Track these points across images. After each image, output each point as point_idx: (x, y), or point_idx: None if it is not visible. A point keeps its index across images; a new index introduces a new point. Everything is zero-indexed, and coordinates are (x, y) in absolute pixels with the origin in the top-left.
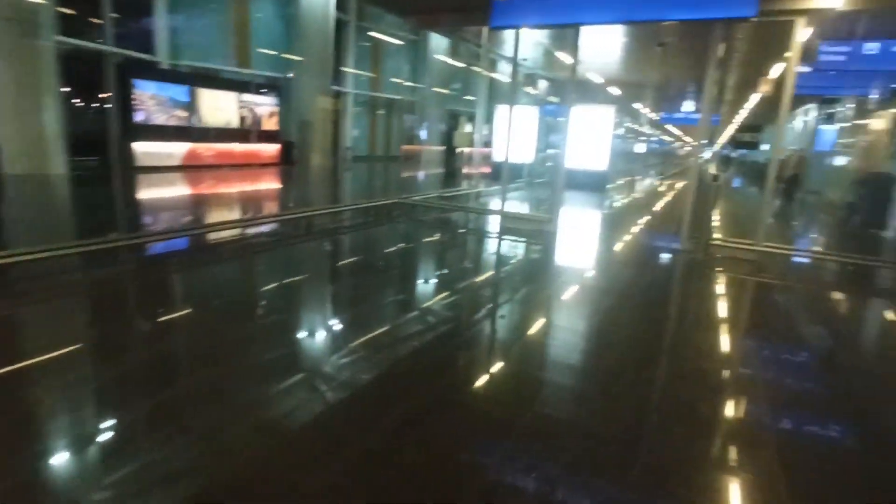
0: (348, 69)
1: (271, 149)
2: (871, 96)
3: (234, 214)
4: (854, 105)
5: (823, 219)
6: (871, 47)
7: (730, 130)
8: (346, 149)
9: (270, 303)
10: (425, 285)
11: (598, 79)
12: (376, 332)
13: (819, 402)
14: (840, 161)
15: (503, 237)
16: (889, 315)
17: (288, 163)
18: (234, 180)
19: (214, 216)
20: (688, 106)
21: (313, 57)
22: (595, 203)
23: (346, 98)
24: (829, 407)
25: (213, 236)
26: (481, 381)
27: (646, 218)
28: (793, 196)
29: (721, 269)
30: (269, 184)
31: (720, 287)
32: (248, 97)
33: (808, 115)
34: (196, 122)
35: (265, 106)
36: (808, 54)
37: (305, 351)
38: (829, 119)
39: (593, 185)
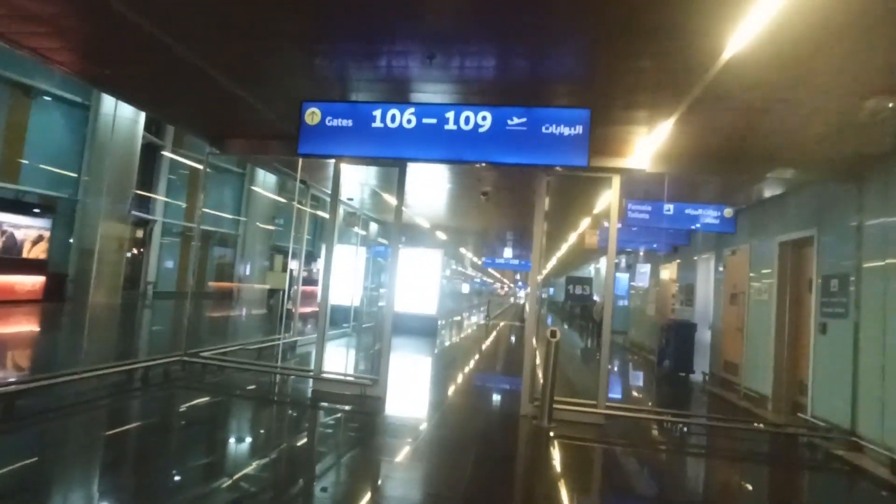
0: (158, 196)
1: (31, 282)
2: (658, 250)
3: None
4: (643, 256)
5: (636, 360)
6: (668, 207)
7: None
8: (147, 284)
9: None
10: None
11: (425, 223)
12: None
13: None
14: (631, 304)
15: (313, 410)
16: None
17: (56, 300)
18: None
19: None
20: (507, 253)
21: (110, 178)
22: (426, 351)
23: (152, 227)
24: None
25: None
26: None
27: (481, 371)
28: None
29: (570, 439)
30: (10, 329)
31: (577, 466)
32: (2, 216)
33: (601, 264)
34: None
35: (28, 229)
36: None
37: None
38: (623, 268)
39: (424, 329)
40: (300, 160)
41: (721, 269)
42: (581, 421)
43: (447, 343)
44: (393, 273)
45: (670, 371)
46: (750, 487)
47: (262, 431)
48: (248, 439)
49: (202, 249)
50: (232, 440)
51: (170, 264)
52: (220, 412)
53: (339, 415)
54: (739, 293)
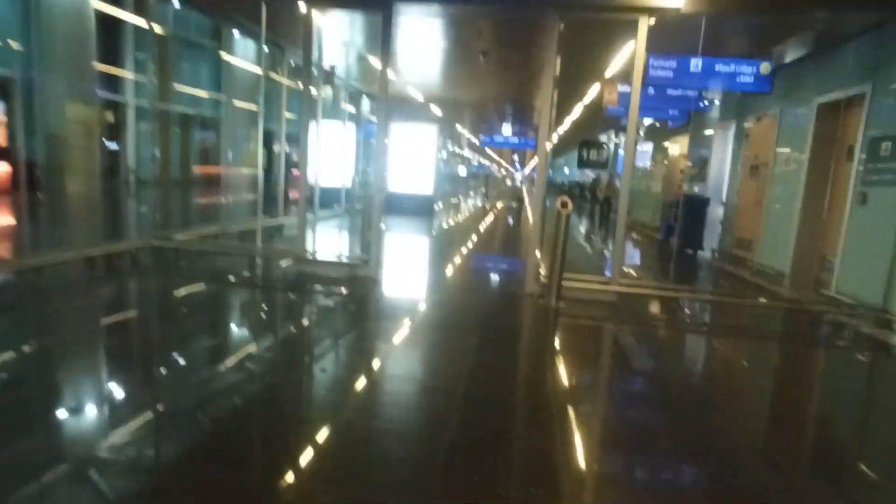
0: (126, 73)
1: None
2: (670, 120)
3: None
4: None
5: (639, 238)
6: (696, 63)
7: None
8: (129, 172)
9: None
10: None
11: (418, 96)
12: None
13: None
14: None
15: (298, 294)
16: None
17: (28, 190)
18: None
19: None
20: (506, 130)
21: (63, 53)
22: (423, 231)
23: (125, 110)
24: None
25: None
26: None
27: (482, 250)
28: (607, 217)
29: (580, 318)
30: None
31: (587, 347)
32: None
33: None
34: None
35: None
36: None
37: None
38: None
39: (420, 209)
40: (264, 8)
41: (741, 139)
42: (591, 299)
43: (444, 223)
44: (381, 141)
45: (678, 248)
46: (775, 365)
47: (239, 319)
48: (223, 329)
49: (183, 133)
50: (205, 330)
51: (151, 151)
52: (191, 300)
53: (327, 298)
54: (761, 164)
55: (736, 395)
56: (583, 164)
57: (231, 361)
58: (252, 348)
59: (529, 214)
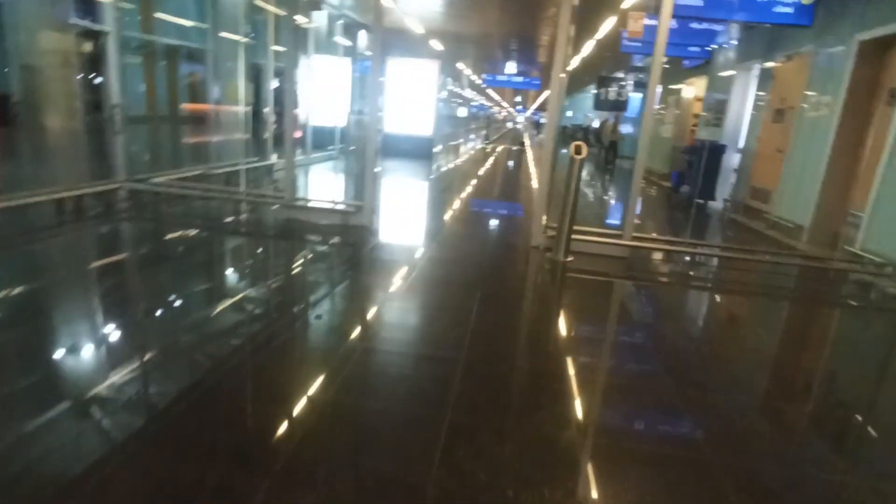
0: None
1: None
2: (685, 60)
3: None
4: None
5: (649, 188)
6: None
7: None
8: (114, 107)
9: None
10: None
11: (418, 27)
12: None
13: None
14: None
15: (284, 242)
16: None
17: (3, 125)
18: None
19: None
20: (510, 68)
21: None
22: (421, 174)
23: (105, 40)
24: None
25: None
26: None
27: (484, 196)
28: (613, 163)
29: (590, 274)
30: None
31: (598, 305)
32: None
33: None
34: None
35: None
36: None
37: None
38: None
39: (418, 152)
40: None
41: (766, 81)
42: (602, 253)
43: (444, 166)
44: (376, 77)
45: (688, 198)
46: (797, 327)
47: (210, 273)
48: (191, 283)
49: (169, 66)
50: (173, 284)
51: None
52: (163, 249)
53: (315, 248)
54: (787, 109)
55: (756, 361)
56: (600, 104)
57: (198, 317)
58: (222, 306)
59: (531, 158)
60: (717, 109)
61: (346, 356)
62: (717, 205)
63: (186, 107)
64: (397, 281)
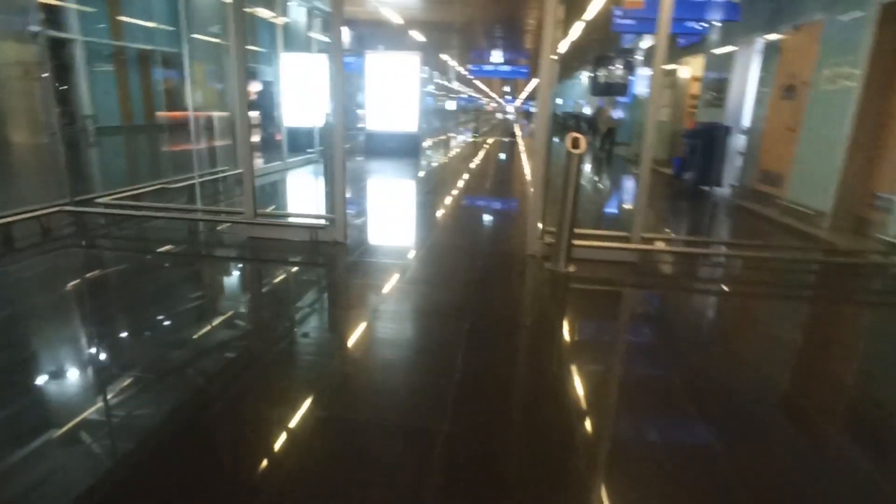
0: (69, 4)
1: None
2: (680, 38)
3: None
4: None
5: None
6: None
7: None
8: (86, 118)
9: None
10: None
11: (396, 17)
12: None
13: None
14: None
15: (240, 268)
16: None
17: None
18: None
19: None
20: (496, 57)
21: None
22: (407, 174)
23: (73, 48)
24: None
25: None
26: None
27: (473, 197)
28: (611, 152)
29: (597, 285)
30: None
31: (610, 330)
32: None
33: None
34: None
35: None
36: None
37: None
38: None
39: (404, 149)
40: None
41: (771, 55)
42: (608, 259)
43: (431, 164)
44: (338, 70)
45: (692, 185)
46: (852, 336)
47: (165, 309)
48: (127, 325)
49: (142, 73)
50: (101, 329)
51: (108, 94)
52: (108, 282)
53: (275, 273)
54: (798, 84)
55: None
56: (598, 88)
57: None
58: (150, 359)
59: (522, 150)
60: (717, 89)
61: (294, 436)
62: (722, 191)
63: (162, 114)
64: (369, 314)
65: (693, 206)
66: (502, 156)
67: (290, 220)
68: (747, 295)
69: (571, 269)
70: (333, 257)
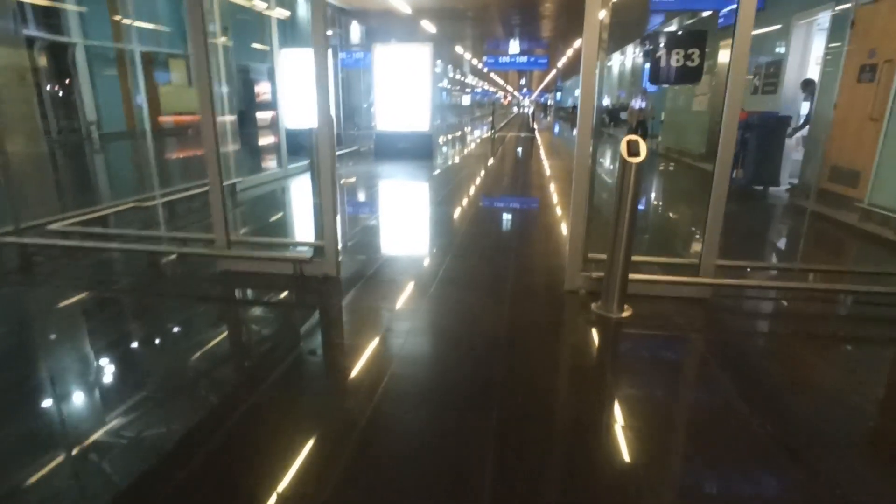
0: (67, 5)
1: None
2: (721, 18)
3: None
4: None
5: (680, 171)
6: None
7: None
8: (89, 124)
9: None
10: None
11: (404, 7)
12: None
13: None
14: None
15: (202, 314)
16: None
17: None
18: None
19: None
20: (513, 47)
21: None
22: (418, 179)
23: (73, 52)
24: None
25: None
26: None
27: (491, 209)
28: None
29: (665, 340)
30: None
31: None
32: None
33: (625, 54)
34: None
35: None
36: None
37: None
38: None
39: (416, 150)
40: None
41: (841, 30)
42: (669, 295)
43: (445, 166)
44: (321, 61)
45: (744, 184)
46: None
47: (105, 372)
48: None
49: (147, 77)
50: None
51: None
52: (45, 332)
53: (245, 322)
54: (881, 63)
55: None
56: (663, 75)
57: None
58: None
59: (542, 147)
60: (769, 74)
61: None
62: (778, 190)
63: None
64: (359, 398)
65: (749, 210)
66: (521, 155)
67: (269, 253)
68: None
69: (626, 313)
70: (318, 301)
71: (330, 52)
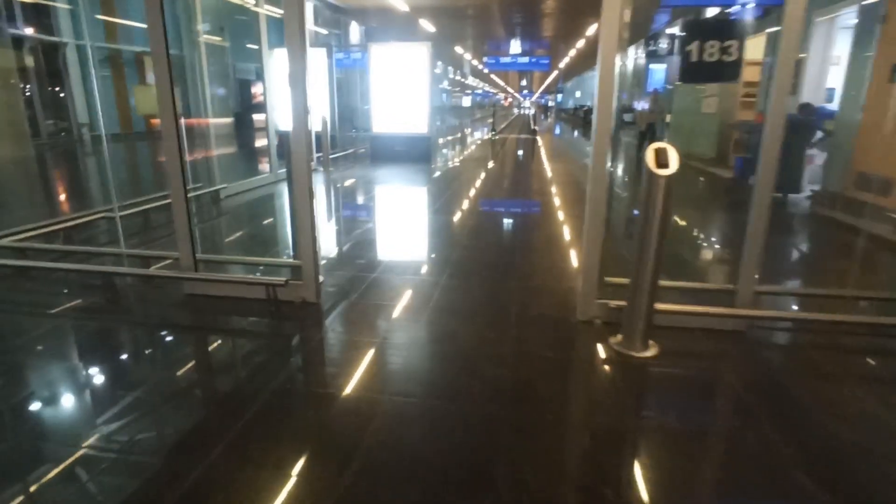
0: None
1: None
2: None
3: None
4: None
5: (698, 179)
6: None
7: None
8: (81, 126)
9: None
10: None
11: (403, 5)
12: None
13: None
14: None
15: (160, 348)
16: None
17: None
18: None
19: None
20: (514, 47)
21: None
22: (413, 185)
23: (64, 52)
24: None
25: None
26: None
27: (491, 221)
28: None
29: (702, 387)
30: None
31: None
32: None
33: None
34: None
35: None
36: None
37: None
38: (655, 56)
39: (414, 153)
40: None
41: (868, 27)
42: (697, 326)
43: (443, 171)
44: (297, 58)
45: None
46: None
47: (42, 417)
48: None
49: (140, 78)
50: None
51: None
52: None
53: (208, 360)
54: None
55: None
56: (695, 73)
57: None
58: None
59: (543, 151)
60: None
61: None
62: (799, 198)
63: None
64: (327, 474)
65: (771, 221)
66: (523, 157)
67: (244, 271)
68: None
69: (652, 352)
70: (292, 331)
71: (325, 51)
